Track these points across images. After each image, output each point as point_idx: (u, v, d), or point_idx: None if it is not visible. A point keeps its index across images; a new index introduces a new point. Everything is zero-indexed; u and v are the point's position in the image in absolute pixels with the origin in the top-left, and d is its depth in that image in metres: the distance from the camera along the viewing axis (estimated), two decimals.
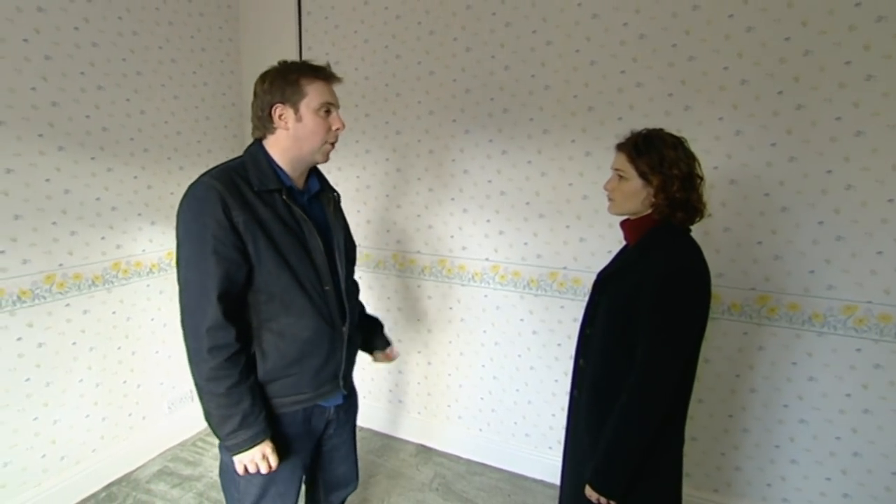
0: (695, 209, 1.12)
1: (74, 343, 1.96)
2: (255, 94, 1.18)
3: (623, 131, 1.80)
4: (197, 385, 1.09)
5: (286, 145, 1.17)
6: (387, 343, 1.57)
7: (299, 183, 1.23)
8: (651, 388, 1.05)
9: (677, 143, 1.11)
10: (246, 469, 1.12)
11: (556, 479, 2.15)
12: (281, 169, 1.18)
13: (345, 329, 1.24)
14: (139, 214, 2.18)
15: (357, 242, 2.40)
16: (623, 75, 1.82)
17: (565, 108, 1.92)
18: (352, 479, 1.48)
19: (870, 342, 1.65)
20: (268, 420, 1.14)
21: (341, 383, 1.27)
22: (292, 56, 2.46)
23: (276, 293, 1.12)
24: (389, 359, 1.59)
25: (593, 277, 1.93)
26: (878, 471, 1.70)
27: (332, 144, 1.21)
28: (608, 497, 1.09)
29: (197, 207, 1.06)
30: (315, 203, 1.27)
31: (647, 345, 1.06)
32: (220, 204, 1.05)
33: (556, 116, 1.94)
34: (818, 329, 1.70)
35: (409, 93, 2.20)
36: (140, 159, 2.18)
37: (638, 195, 1.13)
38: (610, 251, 1.92)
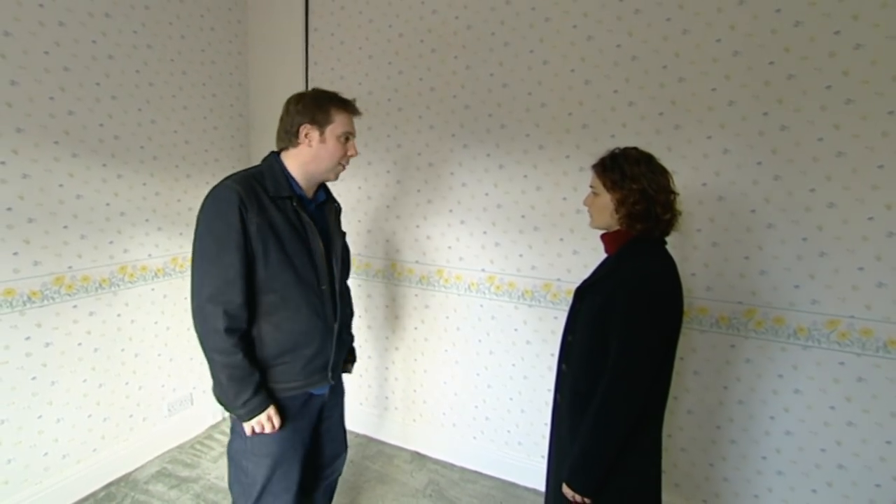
0: (657, 220, 1.16)
1: (80, 344, 2.02)
2: (287, 111, 1.32)
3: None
4: (214, 361, 1.20)
5: (305, 160, 1.31)
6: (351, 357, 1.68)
7: (309, 193, 1.37)
8: (620, 392, 1.10)
9: (641, 159, 1.17)
10: (254, 431, 1.25)
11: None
12: (294, 179, 1.32)
13: (335, 326, 1.36)
14: (147, 220, 2.25)
15: (358, 251, 2.52)
16: (616, 95, 1.90)
17: (560, 125, 1.99)
18: (341, 451, 1.60)
19: (852, 356, 1.69)
20: (269, 391, 1.27)
21: (329, 374, 1.38)
22: (299, 71, 2.56)
23: (278, 289, 1.25)
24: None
25: None
26: (862, 483, 1.74)
27: (344, 166, 1.36)
28: (582, 495, 1.15)
29: (220, 207, 1.20)
30: (320, 212, 1.40)
31: (616, 351, 1.12)
32: (238, 206, 1.18)
33: (551, 133, 2.01)
34: (803, 342, 1.75)
35: (410, 108, 2.28)
36: (149, 167, 2.25)
37: (607, 209, 1.21)
38: None
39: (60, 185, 1.90)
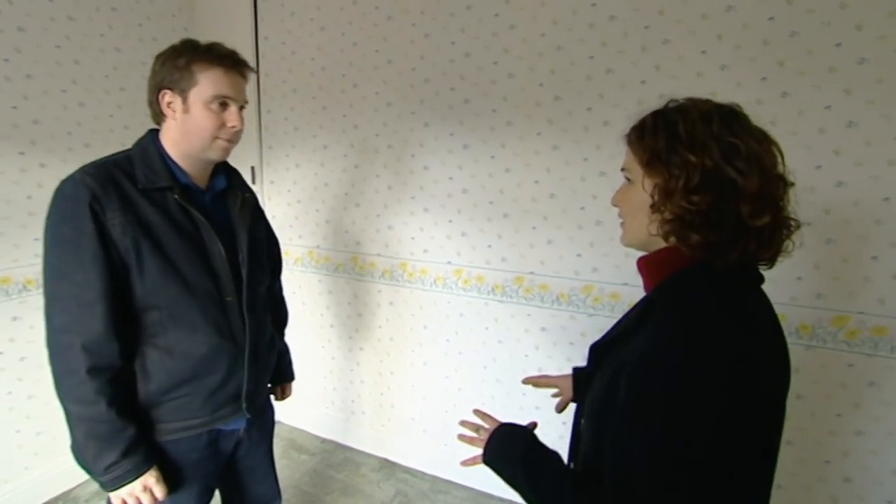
0: (740, 229, 0.61)
1: (1, 353, 1.82)
2: (151, 72, 1.04)
3: (592, 122, 1.69)
4: (69, 412, 0.95)
5: (175, 137, 1.04)
6: (286, 377, 1.45)
7: (200, 181, 1.10)
8: None
9: (713, 114, 0.64)
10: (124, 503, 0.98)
11: (523, 500, 2.01)
12: (175, 164, 1.05)
13: (247, 345, 1.10)
14: None
15: (316, 244, 2.30)
16: (592, 61, 1.65)
17: (530, 98, 1.75)
18: (274, 497, 1.37)
19: (863, 357, 1.48)
20: (152, 448, 1.02)
21: (244, 405, 1.13)
22: (249, 46, 2.32)
23: (164, 305, 1.00)
24: (279, 396, 1.47)
25: (561, 283, 1.82)
26: (870, 498, 1.54)
27: (228, 141, 1.06)
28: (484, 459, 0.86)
29: (66, 209, 0.94)
30: (219, 204, 1.13)
31: (610, 470, 0.65)
32: (89, 204, 0.92)
33: (520, 107, 1.77)
34: (806, 342, 1.54)
35: (366, 83, 2.05)
36: (80, 155, 2.03)
37: (645, 207, 0.68)
38: (580, 255, 1.76)
39: None
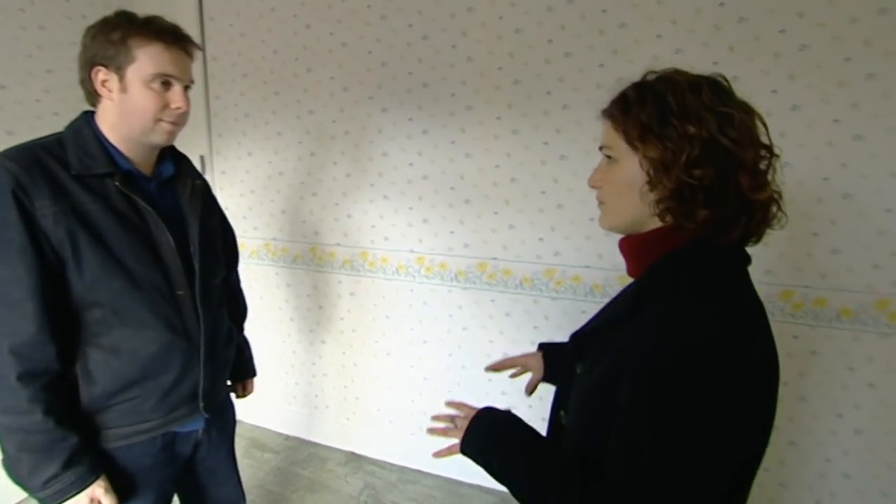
0: (742, 202, 0.61)
1: None
2: (82, 46, 0.94)
3: (552, 106, 1.69)
4: None
5: (113, 120, 0.95)
6: (247, 373, 1.39)
7: (145, 167, 1.02)
8: None
9: (701, 84, 0.62)
10: None
11: (493, 484, 2.03)
12: (115, 148, 0.96)
13: (203, 341, 1.04)
14: None
15: (273, 235, 2.21)
16: (550, 44, 1.65)
17: (489, 82, 1.74)
18: (238, 499, 1.32)
19: (806, 328, 1.57)
20: (99, 455, 0.95)
21: (201, 405, 1.07)
22: (193, 27, 2.18)
23: (106, 302, 0.92)
24: (240, 393, 1.40)
25: (524, 268, 1.83)
26: (813, 458, 1.64)
27: (173, 123, 0.98)
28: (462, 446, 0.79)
29: None
30: (167, 191, 1.06)
31: (618, 470, 0.60)
32: (13, 192, 0.83)
33: (479, 91, 1.76)
34: None
35: (321, 67, 1.97)
36: (2, 144, 1.83)
37: (633, 185, 0.65)
38: (542, 238, 1.77)
39: None
